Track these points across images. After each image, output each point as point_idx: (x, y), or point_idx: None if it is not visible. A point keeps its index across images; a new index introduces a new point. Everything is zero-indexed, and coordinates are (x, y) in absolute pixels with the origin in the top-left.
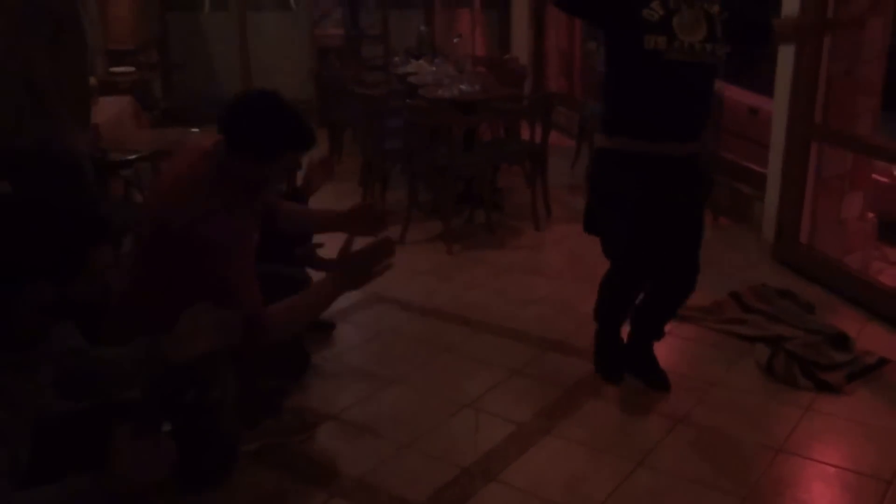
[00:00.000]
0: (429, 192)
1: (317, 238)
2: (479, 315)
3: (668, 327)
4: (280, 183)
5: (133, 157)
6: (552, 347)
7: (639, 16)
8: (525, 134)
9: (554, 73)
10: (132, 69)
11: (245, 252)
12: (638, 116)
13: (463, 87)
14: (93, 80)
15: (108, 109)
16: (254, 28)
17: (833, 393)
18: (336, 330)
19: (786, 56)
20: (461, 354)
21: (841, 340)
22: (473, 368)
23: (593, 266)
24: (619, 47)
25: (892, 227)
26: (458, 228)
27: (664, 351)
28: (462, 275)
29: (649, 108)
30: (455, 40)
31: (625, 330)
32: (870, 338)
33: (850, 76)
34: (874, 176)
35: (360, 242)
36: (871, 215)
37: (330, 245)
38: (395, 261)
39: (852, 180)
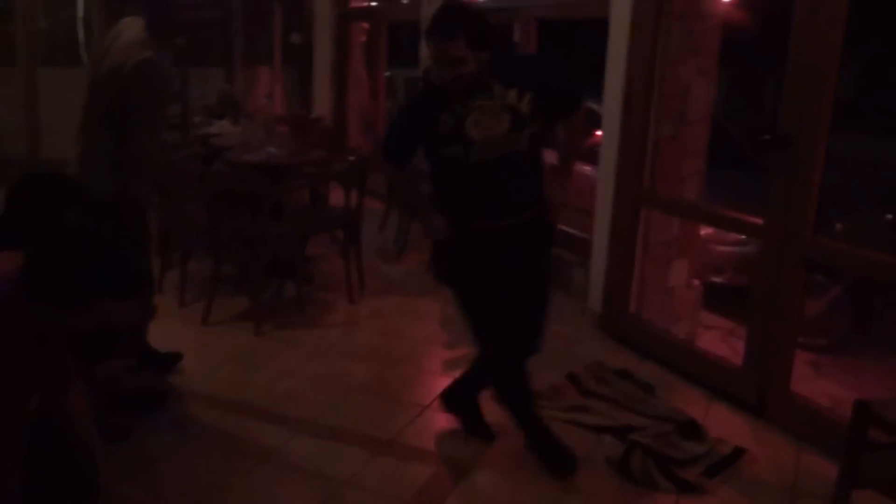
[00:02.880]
0: (234, 264)
1: None
2: (296, 410)
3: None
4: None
5: None
6: (383, 449)
7: (432, 131)
8: (335, 198)
9: (356, 132)
10: None
11: None
12: (454, 204)
13: (272, 150)
14: None
15: None
16: (42, 84)
17: (696, 493)
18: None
19: (611, 119)
20: (280, 464)
21: (691, 429)
22: (295, 483)
23: (412, 344)
24: (427, 154)
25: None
26: (267, 304)
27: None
28: (274, 361)
29: (464, 200)
30: (266, 99)
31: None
32: (716, 421)
33: (677, 139)
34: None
35: None
36: (696, 282)
37: None
38: (199, 346)
39: (679, 246)
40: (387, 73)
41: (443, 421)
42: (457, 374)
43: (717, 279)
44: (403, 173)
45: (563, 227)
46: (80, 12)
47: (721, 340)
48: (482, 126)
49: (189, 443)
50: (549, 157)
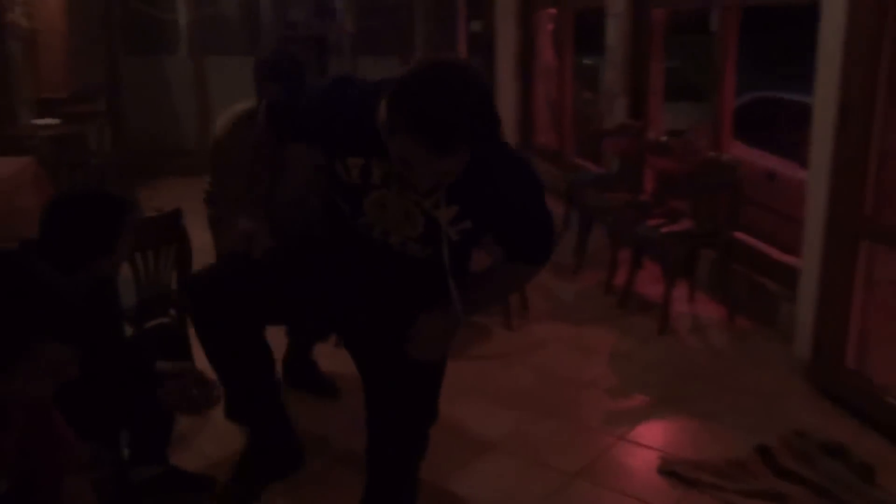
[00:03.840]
0: None
1: None
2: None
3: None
4: None
5: None
6: None
7: (329, 161)
8: None
9: (543, 126)
10: (57, 121)
11: None
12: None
13: None
14: None
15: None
16: (212, 73)
17: None
18: None
19: (822, 128)
20: None
21: None
22: None
23: (572, 390)
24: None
25: None
26: None
27: None
28: None
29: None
30: None
31: None
32: None
33: None
34: None
35: None
36: None
37: None
38: None
39: None
40: (587, 61)
41: (590, 495)
42: (620, 433)
43: None
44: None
45: (764, 247)
46: None
47: None
48: (385, 215)
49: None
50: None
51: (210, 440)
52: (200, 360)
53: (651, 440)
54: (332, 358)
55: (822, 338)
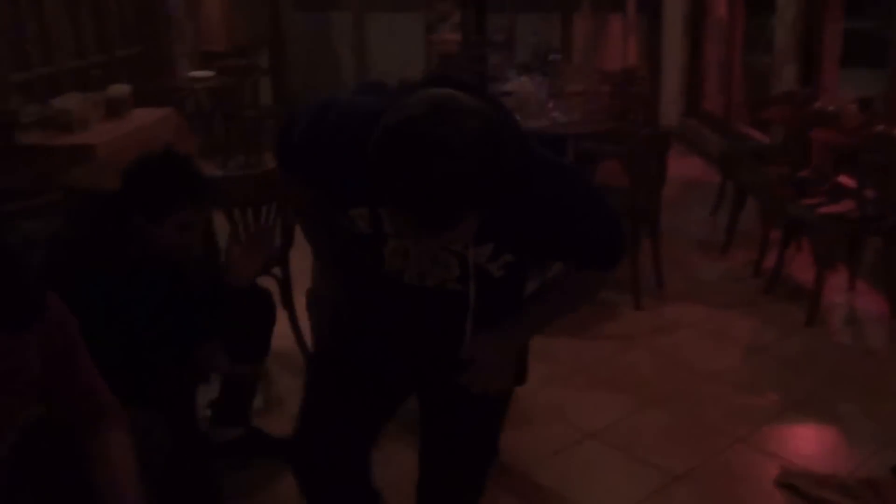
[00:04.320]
0: None
1: None
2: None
3: None
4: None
5: None
6: None
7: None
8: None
9: (712, 91)
10: (212, 74)
11: None
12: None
13: (556, 115)
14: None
15: (134, 123)
16: (371, 29)
17: None
18: None
19: None
20: None
21: None
22: None
23: (694, 381)
24: None
25: None
26: None
27: None
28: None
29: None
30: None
31: None
32: None
33: None
34: None
35: None
36: None
37: None
38: None
39: None
40: (763, 20)
41: (690, 502)
42: (739, 435)
43: None
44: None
45: None
46: None
47: None
48: (410, 263)
49: None
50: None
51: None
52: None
53: (774, 446)
54: None
55: None
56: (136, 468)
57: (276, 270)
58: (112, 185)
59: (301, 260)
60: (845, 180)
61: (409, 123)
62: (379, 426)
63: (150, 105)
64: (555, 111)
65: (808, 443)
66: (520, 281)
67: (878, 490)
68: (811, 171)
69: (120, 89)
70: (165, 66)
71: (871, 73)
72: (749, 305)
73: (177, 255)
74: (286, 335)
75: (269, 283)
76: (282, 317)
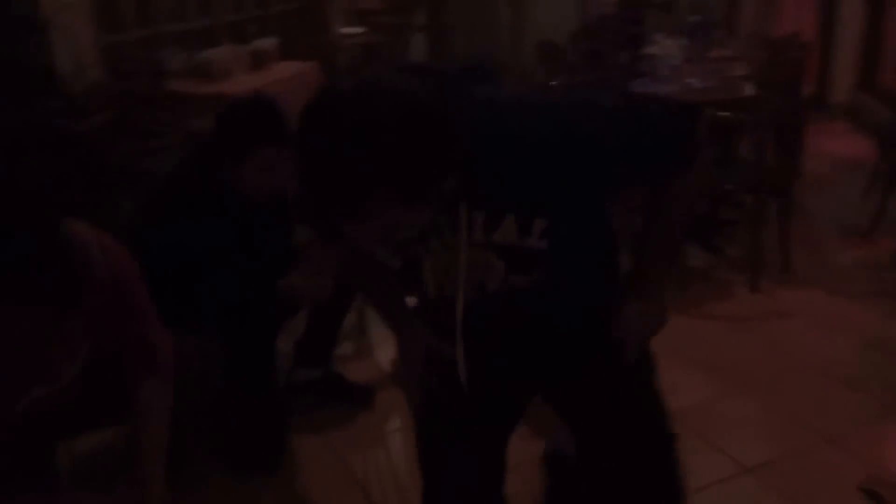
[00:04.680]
0: None
1: None
2: None
3: None
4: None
5: None
6: None
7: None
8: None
9: (891, 63)
10: (362, 30)
11: None
12: None
13: (692, 81)
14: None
15: (274, 76)
16: None
17: None
18: None
19: None
20: None
21: None
22: None
23: (800, 370)
24: None
25: None
26: None
27: None
28: None
29: None
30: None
31: None
32: None
33: None
34: None
35: None
36: None
37: None
38: None
39: None
40: None
41: (755, 497)
42: (829, 434)
43: None
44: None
45: None
46: None
47: None
48: (456, 278)
49: None
50: None
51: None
52: None
53: (866, 450)
54: None
55: None
56: (168, 416)
57: None
58: None
59: None
60: None
61: (326, 104)
62: (503, 458)
63: (299, 59)
64: (691, 76)
65: None
66: (591, 234)
67: None
68: None
69: (266, 43)
70: (320, 22)
71: None
72: (881, 298)
73: (262, 198)
74: None
75: None
76: None
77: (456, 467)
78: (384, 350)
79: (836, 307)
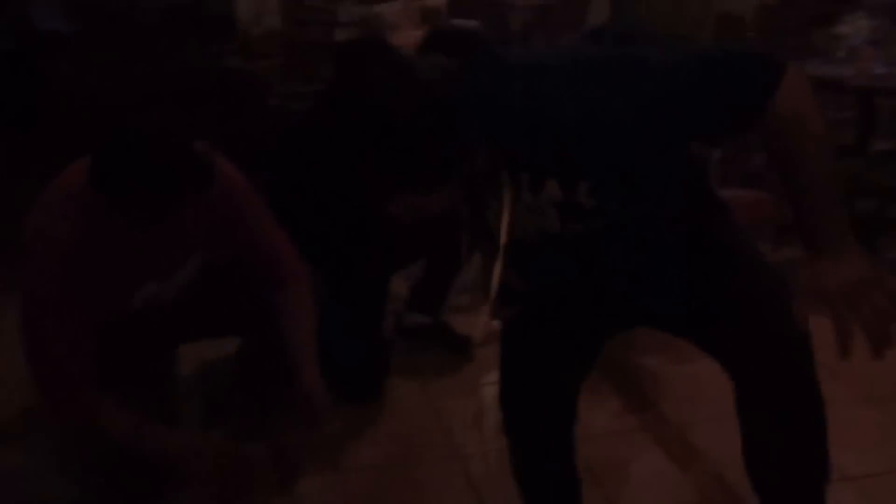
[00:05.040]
0: None
1: None
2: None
3: None
4: None
5: None
6: None
7: None
8: None
9: None
10: None
11: None
12: None
13: (873, 65)
14: None
15: None
16: None
17: None
18: None
19: None
20: None
21: None
22: None
23: None
24: None
25: None
26: None
27: None
28: None
29: None
30: None
31: None
32: None
33: None
34: None
35: None
36: None
37: None
38: None
39: None
40: None
41: None
42: None
43: None
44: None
45: None
46: None
47: None
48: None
49: None
50: None
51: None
52: None
53: None
54: None
55: None
56: (314, 319)
57: None
58: None
59: None
60: None
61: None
62: (574, 399)
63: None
64: (873, 60)
65: None
66: (650, 185)
67: None
68: None
69: (436, 1)
70: None
71: None
72: None
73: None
74: None
75: None
76: None
77: (532, 399)
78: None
79: None
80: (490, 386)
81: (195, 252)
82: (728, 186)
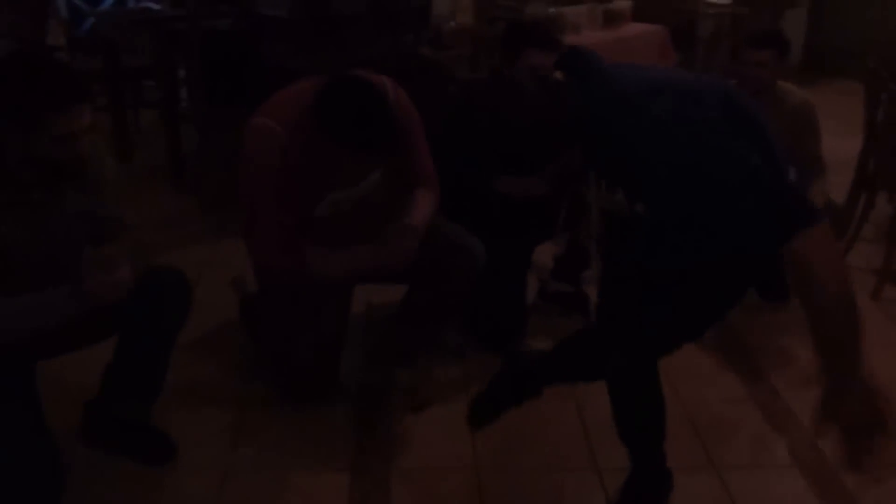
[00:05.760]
0: None
1: None
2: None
3: None
4: None
5: None
6: None
7: None
8: None
9: None
10: (730, 1)
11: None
12: None
13: None
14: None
15: (619, 34)
16: None
17: None
18: None
19: None
20: None
21: None
22: None
23: None
24: None
25: None
26: None
27: None
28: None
29: None
30: None
31: None
32: None
33: None
34: None
35: None
36: None
37: None
38: None
39: None
40: None
41: None
42: None
43: None
44: None
45: None
46: None
47: None
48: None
49: None
50: None
51: None
52: None
53: None
54: None
55: None
56: (431, 212)
57: None
58: None
59: None
60: None
61: None
62: None
63: (653, 22)
64: None
65: None
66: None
67: None
68: None
69: (622, 4)
70: None
71: None
72: None
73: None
74: None
75: None
76: None
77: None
78: None
79: None
80: None
81: (377, 168)
82: None
